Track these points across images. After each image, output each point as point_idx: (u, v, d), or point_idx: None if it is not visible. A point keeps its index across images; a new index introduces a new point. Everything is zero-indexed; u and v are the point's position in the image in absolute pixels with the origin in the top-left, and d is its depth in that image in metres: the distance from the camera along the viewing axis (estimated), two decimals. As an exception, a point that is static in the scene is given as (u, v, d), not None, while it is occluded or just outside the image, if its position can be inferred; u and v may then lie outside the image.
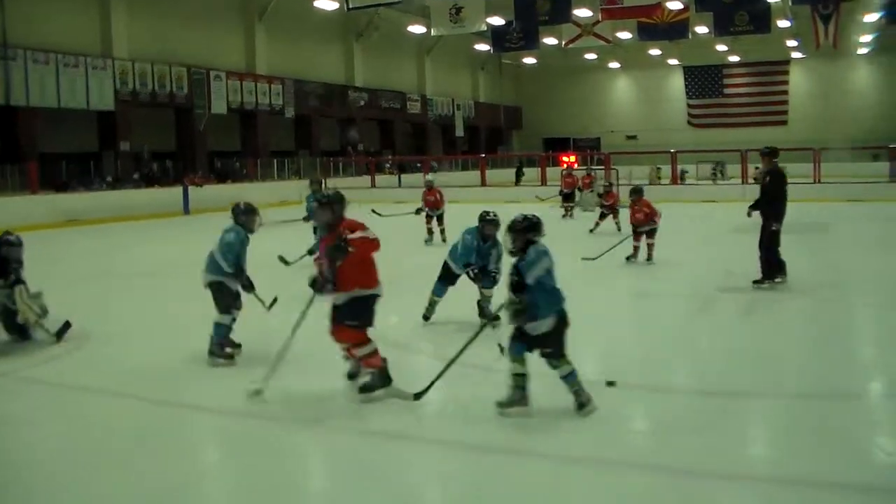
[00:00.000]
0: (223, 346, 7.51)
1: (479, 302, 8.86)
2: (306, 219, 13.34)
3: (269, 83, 34.82)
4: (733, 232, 17.09)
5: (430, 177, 18.57)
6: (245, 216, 7.64)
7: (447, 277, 8.88)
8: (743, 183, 28.37)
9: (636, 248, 13.41)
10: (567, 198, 22.94)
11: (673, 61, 50.10)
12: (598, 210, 19.19)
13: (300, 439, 5.81)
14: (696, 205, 25.77)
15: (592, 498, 4.85)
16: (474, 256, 8.65)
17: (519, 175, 42.85)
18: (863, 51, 47.01)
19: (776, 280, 10.56)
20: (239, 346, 7.63)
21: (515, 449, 5.44)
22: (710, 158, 37.42)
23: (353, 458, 5.41)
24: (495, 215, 8.42)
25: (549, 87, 53.89)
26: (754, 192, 11.34)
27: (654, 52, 47.53)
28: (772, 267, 10.57)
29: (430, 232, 16.80)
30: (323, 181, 19.52)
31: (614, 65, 52.23)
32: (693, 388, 6.86)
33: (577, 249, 13.92)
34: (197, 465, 5.53)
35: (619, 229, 17.23)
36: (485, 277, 8.68)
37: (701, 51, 45.70)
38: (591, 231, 17.98)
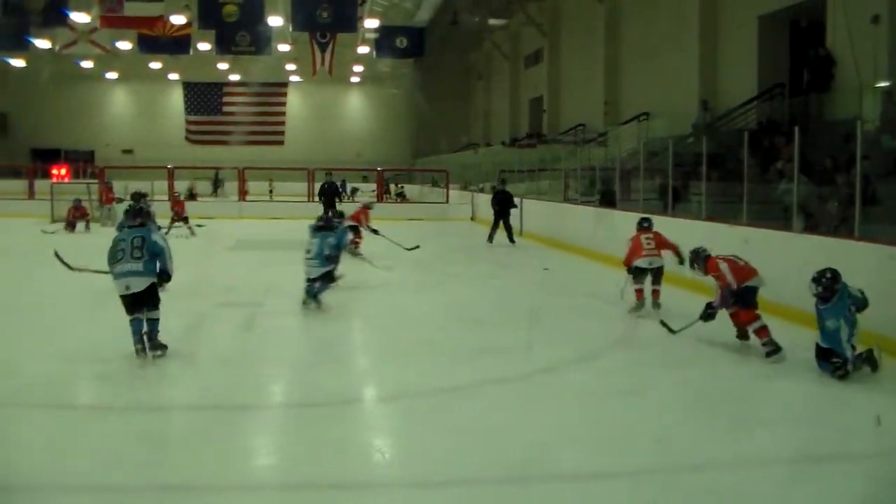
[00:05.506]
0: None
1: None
2: None
3: None
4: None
5: None
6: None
7: None
8: (240, 200, 29.01)
9: None
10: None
11: (173, 76, 49.26)
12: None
13: None
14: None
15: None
16: None
17: None
18: (355, 79, 50.81)
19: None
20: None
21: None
22: (208, 175, 37.65)
23: None
24: None
25: (40, 94, 49.04)
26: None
27: (155, 65, 46.00)
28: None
29: None
30: None
31: (112, 75, 49.68)
32: (197, 404, 6.80)
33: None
34: None
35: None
36: None
37: (202, 67, 45.47)
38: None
